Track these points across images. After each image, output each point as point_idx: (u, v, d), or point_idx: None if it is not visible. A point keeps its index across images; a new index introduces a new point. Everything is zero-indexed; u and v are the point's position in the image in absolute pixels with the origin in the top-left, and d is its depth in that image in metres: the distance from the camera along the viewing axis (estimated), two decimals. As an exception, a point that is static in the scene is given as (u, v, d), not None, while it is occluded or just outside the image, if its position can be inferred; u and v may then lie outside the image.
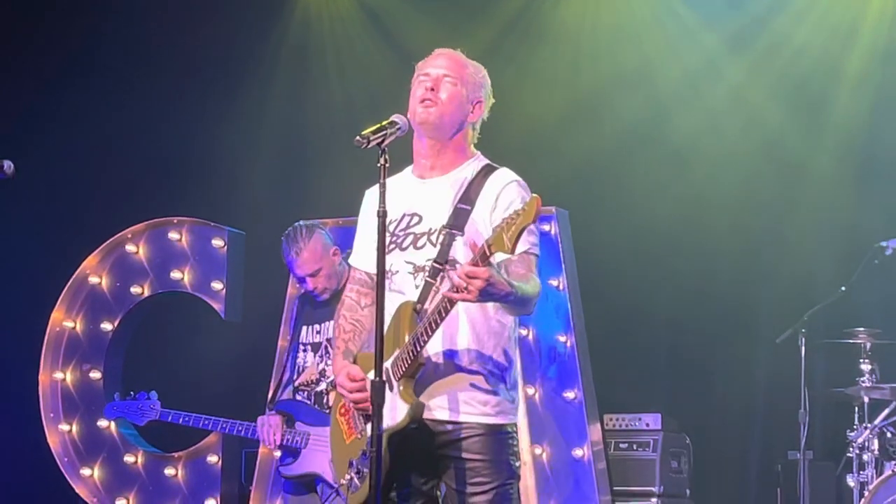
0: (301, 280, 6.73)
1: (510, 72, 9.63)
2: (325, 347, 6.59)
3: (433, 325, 4.41)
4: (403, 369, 4.48)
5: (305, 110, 10.05)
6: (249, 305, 8.72)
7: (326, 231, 6.81)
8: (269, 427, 6.66)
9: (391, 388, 4.47)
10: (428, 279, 4.55)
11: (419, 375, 4.50)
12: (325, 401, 6.53)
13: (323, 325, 6.65)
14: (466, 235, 4.53)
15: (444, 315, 4.38)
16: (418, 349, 4.45)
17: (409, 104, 4.71)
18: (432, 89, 4.66)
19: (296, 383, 6.69)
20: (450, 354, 4.54)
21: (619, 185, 9.38)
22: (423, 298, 4.54)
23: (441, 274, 4.54)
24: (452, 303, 4.35)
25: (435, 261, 4.55)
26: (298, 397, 6.68)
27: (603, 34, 9.70)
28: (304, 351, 6.71)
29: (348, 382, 4.60)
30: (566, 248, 8.01)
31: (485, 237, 4.40)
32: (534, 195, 4.20)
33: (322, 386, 6.59)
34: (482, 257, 4.24)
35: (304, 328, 6.77)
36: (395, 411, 4.46)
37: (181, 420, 7.19)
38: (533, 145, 9.28)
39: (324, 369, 6.59)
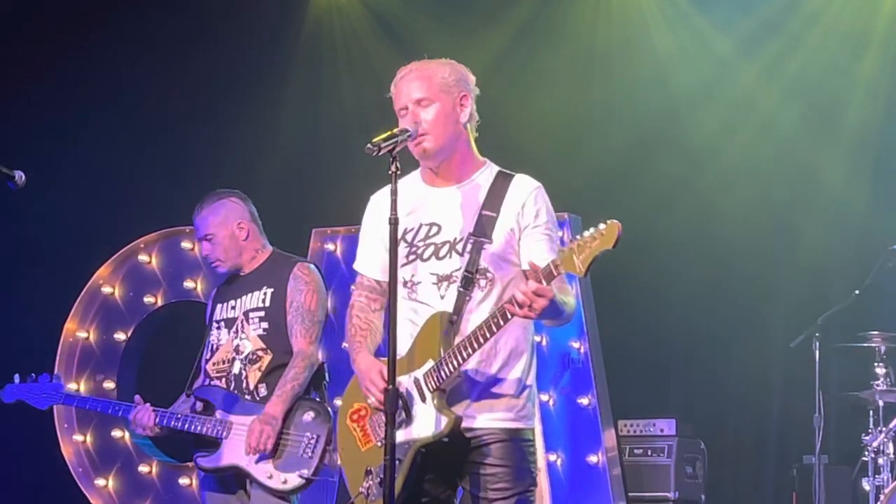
0: (199, 241, 6.42)
1: (523, 77, 9.64)
2: (241, 323, 6.20)
3: (481, 338, 4.37)
4: (440, 381, 4.43)
5: (317, 120, 10.05)
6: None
7: (245, 204, 6.44)
8: (140, 419, 6.32)
9: (423, 399, 4.45)
10: (461, 289, 4.50)
11: (453, 386, 4.47)
12: (244, 385, 6.13)
13: (238, 300, 6.27)
14: (495, 243, 4.51)
15: (495, 329, 4.35)
16: (460, 361, 4.40)
17: None
18: (416, 122, 4.56)
19: (210, 362, 6.26)
20: (485, 365, 4.50)
21: (632, 190, 9.36)
22: (457, 309, 4.49)
23: (473, 283, 4.50)
24: (506, 317, 4.31)
25: (466, 270, 4.50)
26: (215, 383, 6.22)
27: (615, 39, 9.69)
28: (219, 328, 6.28)
29: (381, 382, 4.46)
30: (579, 253, 7.97)
31: (513, 244, 4.49)
32: (614, 221, 4.21)
33: (237, 367, 6.17)
34: (547, 276, 4.23)
35: (219, 306, 6.35)
36: (428, 422, 4.44)
37: (87, 405, 6.91)
38: (545, 150, 9.25)
39: (237, 346, 6.19)
